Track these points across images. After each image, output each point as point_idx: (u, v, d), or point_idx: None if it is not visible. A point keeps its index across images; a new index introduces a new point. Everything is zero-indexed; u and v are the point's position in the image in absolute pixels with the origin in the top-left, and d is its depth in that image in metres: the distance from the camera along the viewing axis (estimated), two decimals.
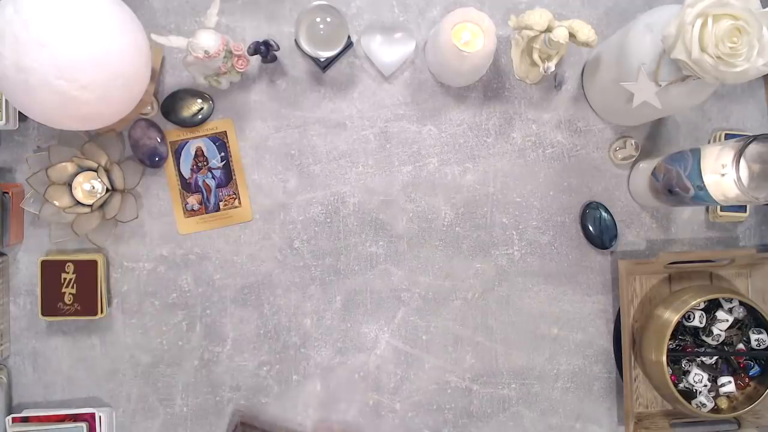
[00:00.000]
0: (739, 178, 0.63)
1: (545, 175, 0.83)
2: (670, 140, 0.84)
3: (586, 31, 0.71)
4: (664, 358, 0.74)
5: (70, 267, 0.76)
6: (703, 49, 0.60)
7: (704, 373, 0.77)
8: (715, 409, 0.78)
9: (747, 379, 0.79)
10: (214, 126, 0.80)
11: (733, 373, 0.79)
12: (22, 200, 0.76)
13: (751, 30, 0.60)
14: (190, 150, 0.80)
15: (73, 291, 0.76)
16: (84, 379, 0.79)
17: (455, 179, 0.82)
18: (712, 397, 0.78)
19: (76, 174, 0.74)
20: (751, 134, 0.64)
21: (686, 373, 0.79)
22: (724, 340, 0.79)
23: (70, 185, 0.74)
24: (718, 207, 0.82)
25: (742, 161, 0.63)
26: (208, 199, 0.80)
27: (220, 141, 0.80)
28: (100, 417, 0.75)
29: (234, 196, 0.80)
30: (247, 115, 0.80)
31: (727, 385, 0.78)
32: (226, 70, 0.74)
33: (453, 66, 0.74)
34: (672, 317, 0.76)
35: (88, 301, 0.76)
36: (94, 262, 0.76)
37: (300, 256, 0.81)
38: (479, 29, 0.72)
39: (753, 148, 0.63)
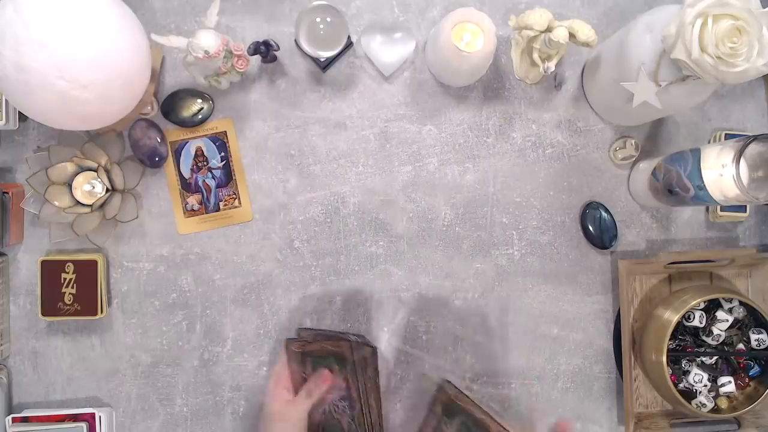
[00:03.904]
0: (738, 178, 0.63)
1: (545, 175, 0.83)
2: (670, 140, 0.84)
3: (586, 31, 0.71)
4: (664, 358, 0.74)
5: (70, 267, 0.76)
6: (703, 49, 0.60)
7: (704, 373, 0.77)
8: (715, 409, 0.78)
9: (747, 379, 0.79)
10: (214, 126, 0.80)
11: (733, 373, 0.79)
12: (22, 200, 0.76)
13: (751, 30, 0.60)
14: (190, 150, 0.80)
15: (73, 291, 0.76)
16: (84, 379, 0.79)
17: (455, 179, 0.82)
18: (712, 397, 0.78)
19: (76, 174, 0.74)
20: (751, 134, 0.64)
21: (686, 373, 0.79)
22: (724, 340, 0.79)
23: (70, 185, 0.74)
24: (718, 207, 0.82)
25: (742, 161, 0.63)
26: (208, 199, 0.80)
27: (220, 141, 0.80)
28: (100, 417, 0.75)
29: (234, 196, 0.80)
30: (247, 115, 0.80)
31: (727, 385, 0.78)
32: (226, 70, 0.74)
33: (453, 66, 0.74)
34: (672, 317, 0.76)
35: (88, 301, 0.76)
36: (94, 262, 0.76)
37: (300, 256, 0.81)
38: (479, 29, 0.72)
39: (753, 148, 0.63)
